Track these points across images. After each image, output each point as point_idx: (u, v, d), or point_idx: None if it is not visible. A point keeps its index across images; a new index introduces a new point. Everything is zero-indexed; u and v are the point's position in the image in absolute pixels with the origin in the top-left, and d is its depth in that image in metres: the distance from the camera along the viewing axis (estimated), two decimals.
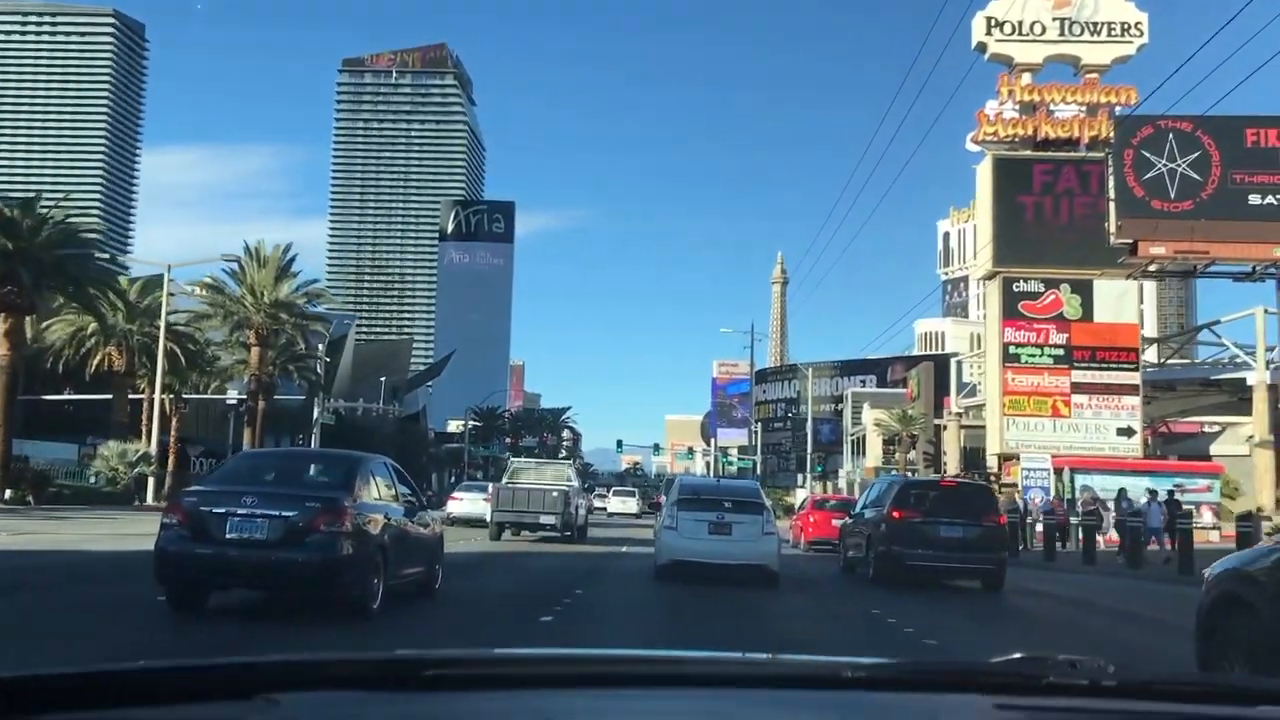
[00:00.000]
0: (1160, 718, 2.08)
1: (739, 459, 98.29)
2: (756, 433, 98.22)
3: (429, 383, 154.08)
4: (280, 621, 11.25)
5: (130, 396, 52.01)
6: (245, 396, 52.93)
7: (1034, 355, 55.21)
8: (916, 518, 18.93)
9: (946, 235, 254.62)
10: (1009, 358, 55.14)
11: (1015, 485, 53.56)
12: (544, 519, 29.41)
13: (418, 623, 11.86)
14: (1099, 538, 34.57)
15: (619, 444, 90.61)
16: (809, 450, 68.26)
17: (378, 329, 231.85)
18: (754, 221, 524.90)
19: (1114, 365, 54.80)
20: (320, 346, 60.01)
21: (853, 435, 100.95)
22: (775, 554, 18.62)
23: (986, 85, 57.06)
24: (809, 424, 69.91)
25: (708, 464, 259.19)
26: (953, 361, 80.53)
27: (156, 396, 46.04)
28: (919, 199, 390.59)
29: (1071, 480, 41.16)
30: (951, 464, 79.45)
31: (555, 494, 29.65)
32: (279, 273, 52.84)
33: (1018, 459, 58.77)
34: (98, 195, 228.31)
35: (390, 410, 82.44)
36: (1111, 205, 46.50)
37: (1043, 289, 55.36)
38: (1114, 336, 54.77)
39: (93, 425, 51.72)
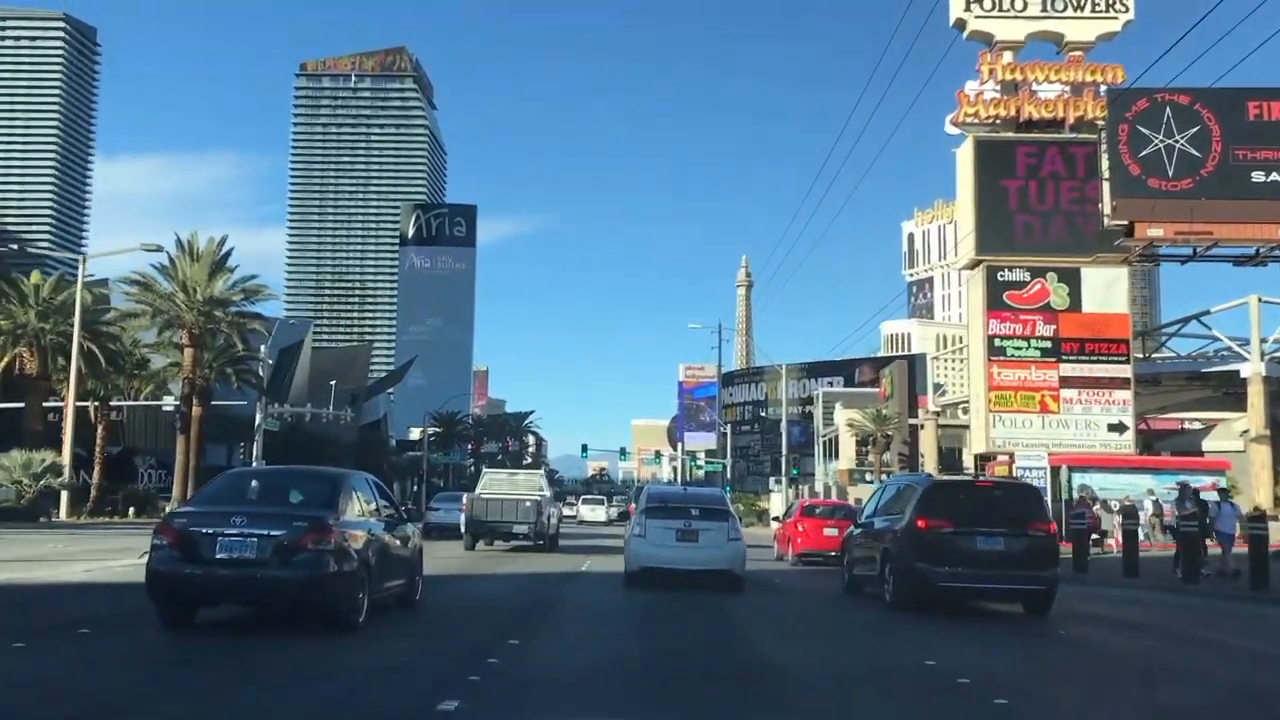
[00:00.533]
0: None
1: (707, 463, 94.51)
2: (726, 434, 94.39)
3: (390, 390, 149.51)
4: (269, 636, 11.29)
5: (52, 404, 47.48)
6: (179, 402, 48.37)
7: (1020, 348, 51.89)
8: (947, 527, 15.16)
9: (911, 236, 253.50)
10: (994, 351, 51.75)
11: None
12: (517, 528, 29.78)
13: (401, 634, 11.99)
14: (1093, 543, 31.19)
15: (584, 449, 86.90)
16: (784, 452, 64.60)
17: (339, 337, 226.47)
18: (718, 225, 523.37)
19: (1104, 358, 51.58)
20: (263, 348, 55.56)
21: (824, 436, 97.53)
22: (741, 559, 19.10)
23: (964, 71, 53.64)
24: (784, 424, 66.21)
25: (674, 469, 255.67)
26: (929, 360, 77.25)
27: (70, 401, 41.69)
28: (884, 201, 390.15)
29: (1069, 479, 37.59)
30: (929, 464, 76.05)
31: (528, 504, 30.00)
32: (213, 268, 48.48)
33: (998, 459, 55.34)
34: (49, 200, 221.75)
35: (341, 416, 78.16)
36: (1105, 185, 43.15)
37: (1028, 278, 52.07)
38: (1104, 327, 51.56)
39: (8, 435, 47.14)
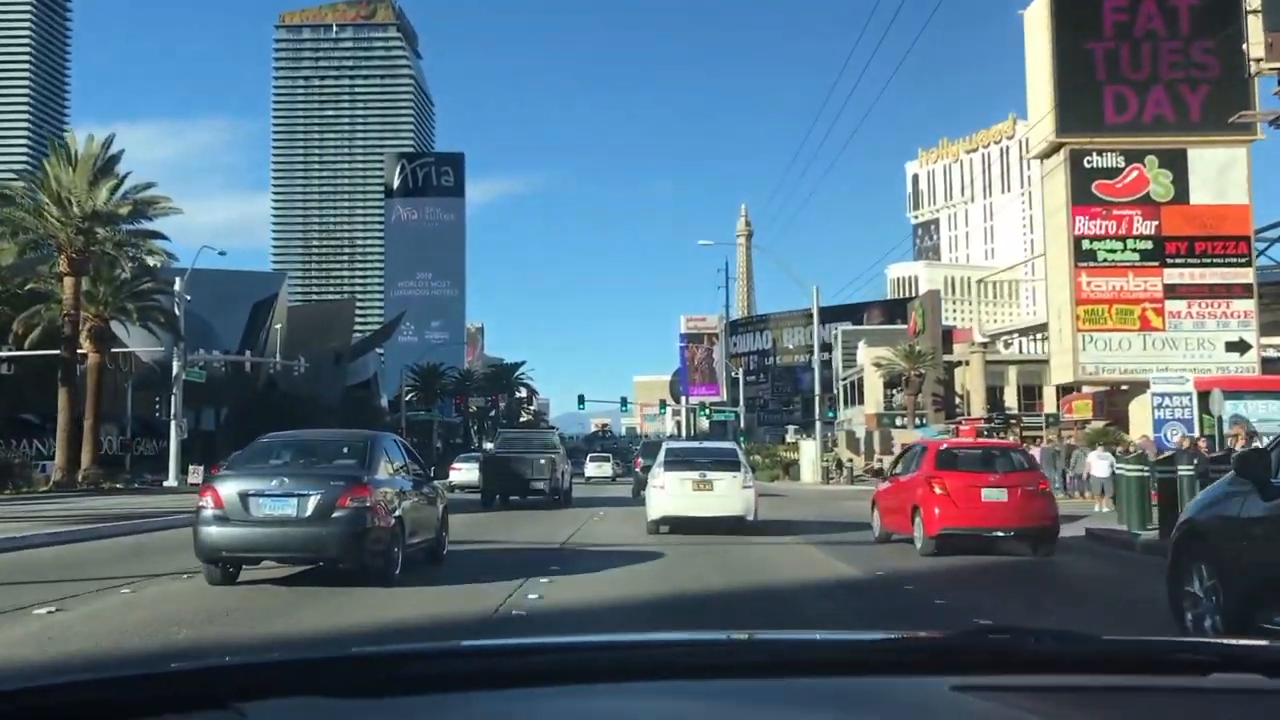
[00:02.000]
0: (1120, 690, 1.97)
1: (715, 411, 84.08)
2: (738, 378, 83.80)
3: (379, 348, 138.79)
4: (312, 590, 11.57)
5: None
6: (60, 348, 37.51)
7: (1114, 251, 41.10)
8: None
9: (915, 177, 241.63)
10: (1082, 255, 40.97)
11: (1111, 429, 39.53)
12: (533, 484, 30.21)
13: (434, 586, 12.17)
14: None
15: (580, 399, 76.62)
16: (817, 391, 53.84)
17: (330, 297, 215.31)
18: (717, 175, 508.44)
19: (1219, 260, 40.99)
20: (178, 282, 44.53)
21: (845, 379, 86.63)
22: (753, 506, 20.19)
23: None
24: (816, 356, 55.38)
25: (678, 423, 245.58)
26: (976, 282, 66.37)
27: None
28: (885, 143, 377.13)
29: (1222, 408, 26.85)
30: (975, 405, 65.26)
31: (543, 461, 30.39)
32: (95, 174, 37.42)
33: (1082, 390, 44.43)
34: (24, 165, 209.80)
35: (295, 367, 67.55)
36: (1253, 20, 31.89)
37: (1122, 164, 41.21)
38: (1218, 222, 40.78)
39: None
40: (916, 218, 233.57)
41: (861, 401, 78.22)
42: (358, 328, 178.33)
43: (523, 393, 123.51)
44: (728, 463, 20.73)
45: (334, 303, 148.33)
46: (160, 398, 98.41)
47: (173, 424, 44.77)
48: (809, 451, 52.20)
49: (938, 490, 14.78)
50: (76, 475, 37.77)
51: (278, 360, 65.03)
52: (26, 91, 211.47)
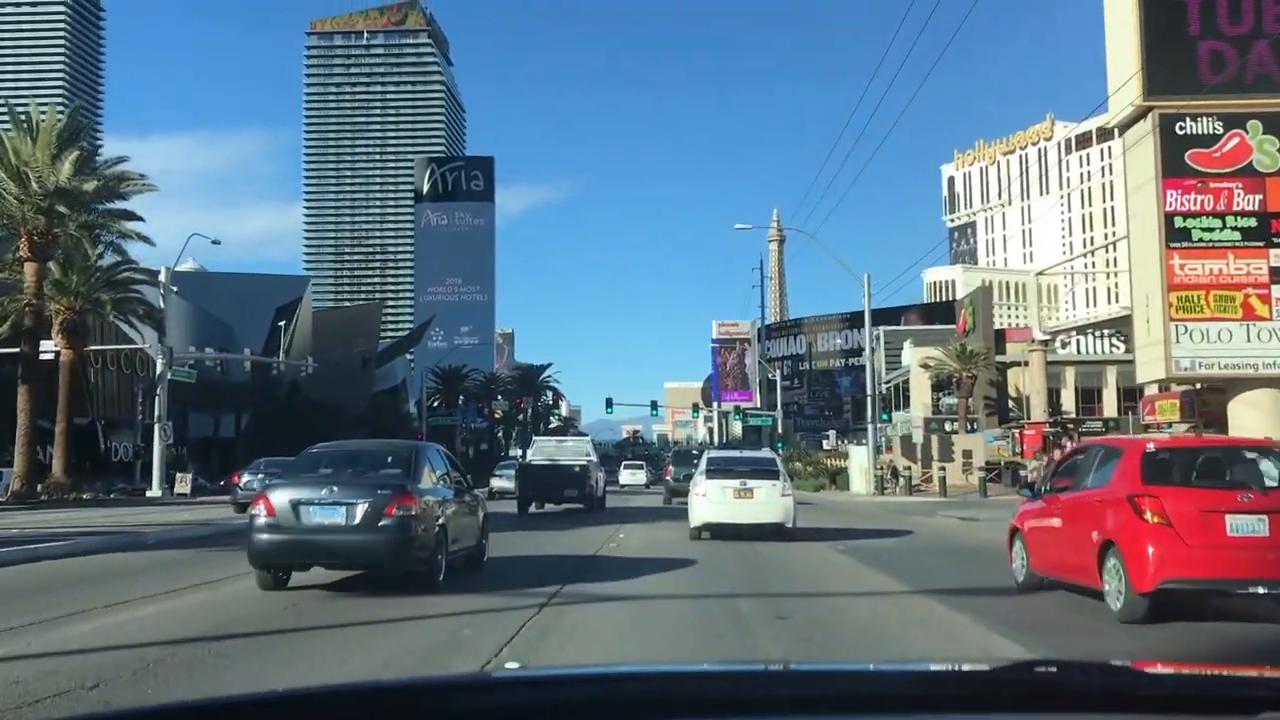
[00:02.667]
0: None
1: (751, 415, 78.97)
2: (775, 381, 78.74)
3: (409, 354, 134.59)
4: (359, 596, 11.78)
5: None
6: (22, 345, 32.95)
7: (1212, 229, 35.76)
8: None
9: (951, 180, 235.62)
10: (1174, 235, 35.65)
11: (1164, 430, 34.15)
12: (567, 491, 30.61)
13: (476, 592, 12.14)
14: None
15: (609, 403, 71.61)
16: (869, 391, 48.58)
17: (360, 301, 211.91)
18: (748, 181, 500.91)
19: None
20: (163, 271, 39.98)
21: (889, 382, 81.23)
22: (792, 512, 20.42)
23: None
24: (869, 351, 50.14)
25: (710, 429, 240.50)
26: (1035, 277, 61.12)
27: None
28: (919, 147, 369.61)
29: None
30: (1035, 408, 59.73)
31: (577, 469, 30.68)
32: (58, 147, 32.91)
33: (1172, 389, 39.08)
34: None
35: (303, 367, 63.25)
36: None
37: (1221, 130, 35.91)
38: None
39: None
40: (953, 221, 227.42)
41: (907, 406, 72.83)
42: (388, 334, 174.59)
43: (549, 396, 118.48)
44: (767, 471, 21.10)
45: (360, 307, 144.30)
46: (176, 402, 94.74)
47: (156, 429, 40.25)
48: (859, 458, 47.09)
49: (1152, 518, 9.26)
50: (38, 485, 33.31)
51: (281, 360, 60.35)
52: (60, 103, 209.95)
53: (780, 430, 71.08)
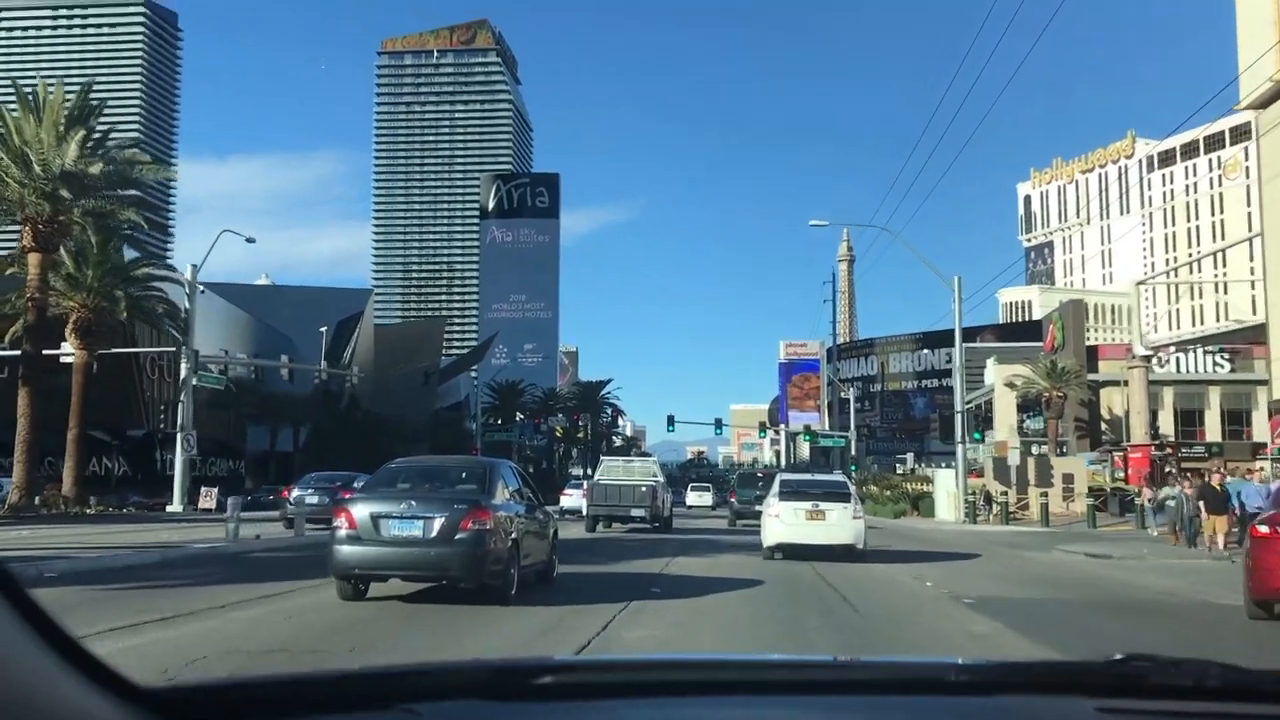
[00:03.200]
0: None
1: (824, 437, 74.31)
2: (848, 401, 73.99)
3: (473, 370, 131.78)
4: (435, 607, 11.93)
5: None
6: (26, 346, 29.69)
7: None
8: None
9: (1028, 199, 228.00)
10: None
11: None
12: (634, 511, 30.69)
13: (549, 605, 12.38)
14: None
15: (670, 421, 67.47)
16: (958, 407, 43.94)
17: (425, 319, 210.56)
18: (817, 201, 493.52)
19: None
20: (189, 269, 36.59)
21: (970, 402, 76.01)
22: (863, 534, 20.86)
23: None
24: (958, 362, 45.54)
25: (777, 451, 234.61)
26: (1136, 288, 56.04)
27: None
28: (995, 164, 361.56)
29: None
30: (1136, 429, 54.37)
31: (644, 489, 30.97)
32: (66, 126, 29.72)
33: None
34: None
35: (348, 376, 59.83)
36: None
37: None
38: None
39: None
40: (1029, 241, 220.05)
41: (991, 426, 67.54)
42: (453, 350, 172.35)
43: (609, 414, 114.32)
44: (839, 494, 21.43)
45: (423, 322, 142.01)
46: (230, 414, 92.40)
47: (179, 439, 36.87)
48: (945, 482, 42.42)
49: None
50: (36, 498, 30.04)
51: (323, 368, 56.85)
52: (136, 126, 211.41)
53: (853, 452, 66.38)
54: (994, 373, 66.88)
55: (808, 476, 26.49)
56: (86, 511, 31.02)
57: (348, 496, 15.21)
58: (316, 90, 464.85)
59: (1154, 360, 68.09)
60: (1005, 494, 37.50)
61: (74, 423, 32.67)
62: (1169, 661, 1.98)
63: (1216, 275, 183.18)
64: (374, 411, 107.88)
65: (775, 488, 21.94)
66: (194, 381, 37.10)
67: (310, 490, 31.33)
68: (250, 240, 39.37)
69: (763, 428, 71.16)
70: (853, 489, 22.72)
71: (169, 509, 35.36)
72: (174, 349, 40.40)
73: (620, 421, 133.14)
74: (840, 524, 20.33)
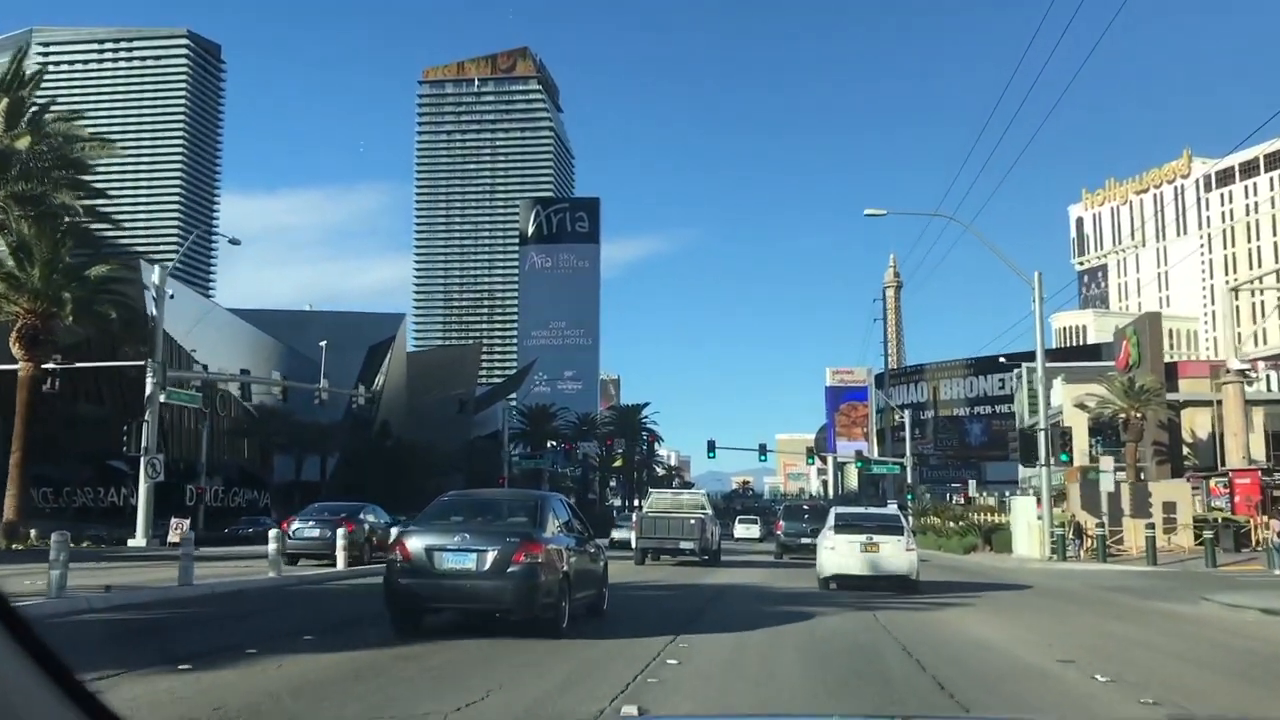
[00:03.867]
0: None
1: (877, 464, 68.56)
2: (903, 427, 68.26)
3: (511, 397, 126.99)
4: (488, 639, 11.74)
5: None
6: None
7: None
8: None
9: (1080, 221, 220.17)
10: None
11: None
12: (683, 544, 30.41)
13: (599, 638, 12.35)
14: None
15: (710, 446, 62.04)
16: (1042, 425, 38.06)
17: (461, 345, 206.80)
18: (861, 227, 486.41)
19: None
20: (155, 274, 31.77)
21: (1030, 428, 69.70)
22: (915, 566, 21.23)
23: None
24: (1041, 374, 39.73)
25: (824, 481, 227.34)
26: (1226, 291, 50.16)
27: None
28: (1044, 186, 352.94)
29: None
30: (1233, 453, 48.10)
31: (693, 521, 30.76)
32: (9, 108, 24.94)
33: None
34: (175, 221, 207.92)
35: (355, 397, 55.39)
36: None
37: None
38: None
39: None
40: (1081, 264, 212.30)
41: (1065, 451, 61.29)
42: (494, 379, 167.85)
43: (646, 439, 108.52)
44: (892, 527, 21.84)
45: (459, 348, 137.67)
46: (256, 442, 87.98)
47: (142, 463, 31.98)
48: (1024, 512, 36.66)
49: None
50: None
51: (324, 387, 52.06)
52: (180, 157, 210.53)
53: (909, 480, 60.61)
54: (1062, 393, 60.76)
55: (862, 510, 27.58)
56: (14, 548, 26.22)
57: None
58: (364, 123, 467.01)
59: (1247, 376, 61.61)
60: (1102, 526, 31.62)
61: (17, 445, 27.97)
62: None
63: None
64: (406, 439, 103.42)
65: (831, 520, 22.48)
66: (161, 398, 32.32)
67: (311, 522, 28.39)
68: (234, 242, 34.62)
69: (810, 454, 65.61)
70: (906, 523, 23.11)
71: (130, 543, 30.63)
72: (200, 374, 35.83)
73: (658, 448, 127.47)
74: (894, 556, 20.88)
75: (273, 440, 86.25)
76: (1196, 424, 57.07)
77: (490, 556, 11.89)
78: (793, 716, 7.76)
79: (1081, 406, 57.78)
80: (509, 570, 11.81)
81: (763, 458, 60.46)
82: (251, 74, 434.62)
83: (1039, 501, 38.57)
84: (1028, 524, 36.60)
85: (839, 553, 21.02)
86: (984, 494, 66.66)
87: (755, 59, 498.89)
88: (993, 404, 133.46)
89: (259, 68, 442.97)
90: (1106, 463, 36.86)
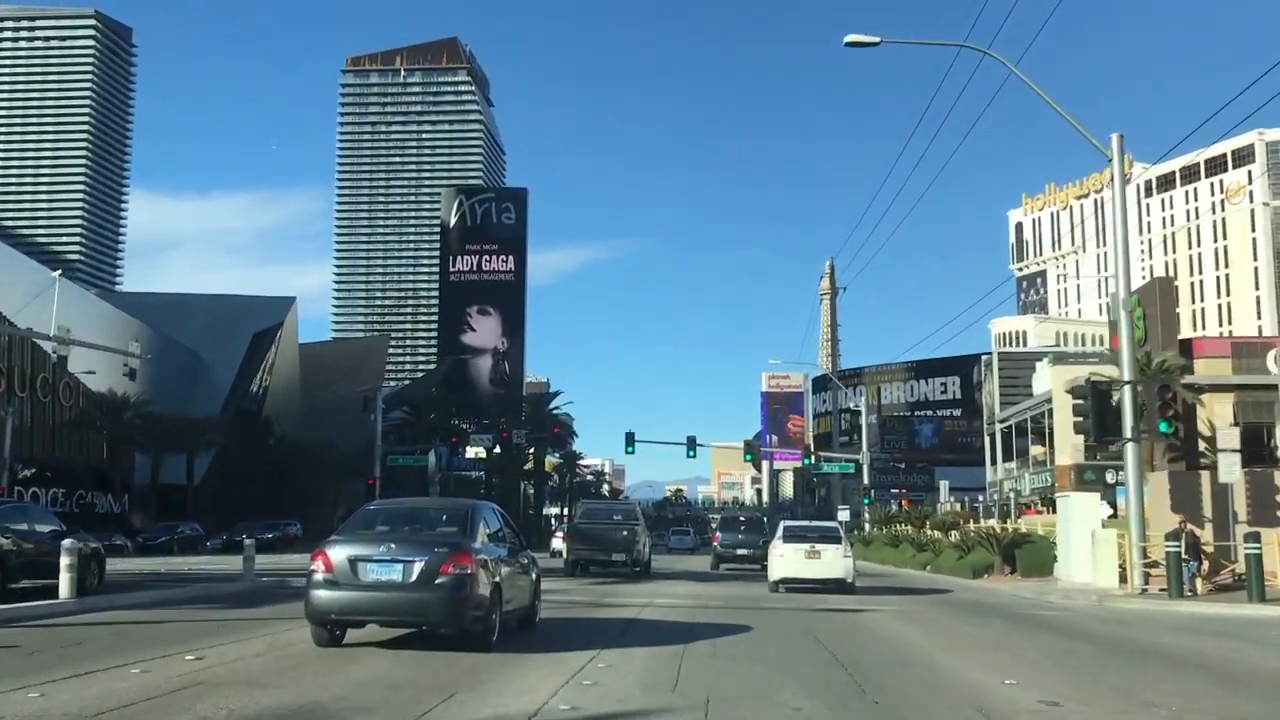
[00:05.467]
0: None
1: (828, 461, 57.49)
2: (865, 426, 56.72)
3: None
4: (413, 654, 11.26)
5: None
6: None
7: None
8: None
9: (1019, 226, 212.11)
10: None
11: None
12: (615, 556, 30.10)
13: (532, 652, 11.77)
14: None
15: (629, 439, 50.24)
16: (1129, 402, 26.07)
17: (391, 351, 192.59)
18: (796, 236, 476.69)
19: None
20: None
21: (1005, 422, 58.44)
22: (852, 571, 24.11)
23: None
24: (1121, 278, 27.92)
25: (758, 490, 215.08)
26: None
27: None
28: (982, 190, 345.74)
29: None
30: None
31: (625, 533, 30.37)
32: None
33: None
34: (78, 213, 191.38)
35: (128, 359, 42.38)
36: None
37: None
38: None
39: None
40: (1020, 269, 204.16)
41: (1053, 445, 49.97)
42: (411, 377, 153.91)
43: (558, 433, 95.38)
44: (832, 537, 24.88)
45: (363, 340, 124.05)
46: (105, 437, 74.02)
47: None
48: (1085, 516, 24.96)
49: None
50: None
51: (135, 352, 39.20)
52: (87, 124, 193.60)
53: (865, 480, 49.44)
54: (1051, 378, 49.49)
55: (806, 523, 30.34)
56: None
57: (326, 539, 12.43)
58: (301, 126, 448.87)
59: (1269, 359, 50.93)
60: (1207, 543, 20.20)
61: None
62: None
63: (1220, 299, 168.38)
64: (295, 439, 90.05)
65: (780, 532, 25.59)
66: None
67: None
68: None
69: (748, 450, 54.19)
70: (844, 532, 26.59)
71: None
72: None
73: (574, 447, 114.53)
74: (833, 561, 23.72)
75: (121, 435, 72.37)
76: (1216, 413, 46.18)
77: (417, 567, 11.26)
78: None
79: (1076, 391, 46.31)
80: (437, 582, 11.18)
81: (691, 453, 48.81)
82: (191, 72, 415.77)
83: (1112, 503, 26.91)
84: (1090, 535, 24.70)
85: (787, 560, 23.83)
86: (952, 500, 55.53)
87: (699, 65, 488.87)
88: (933, 409, 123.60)
89: (203, 69, 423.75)
90: (1229, 436, 25.09)
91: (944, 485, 58.09)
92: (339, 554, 11.52)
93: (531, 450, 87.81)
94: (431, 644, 11.53)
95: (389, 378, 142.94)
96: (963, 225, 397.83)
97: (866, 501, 50.13)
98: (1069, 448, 47.48)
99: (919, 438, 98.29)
